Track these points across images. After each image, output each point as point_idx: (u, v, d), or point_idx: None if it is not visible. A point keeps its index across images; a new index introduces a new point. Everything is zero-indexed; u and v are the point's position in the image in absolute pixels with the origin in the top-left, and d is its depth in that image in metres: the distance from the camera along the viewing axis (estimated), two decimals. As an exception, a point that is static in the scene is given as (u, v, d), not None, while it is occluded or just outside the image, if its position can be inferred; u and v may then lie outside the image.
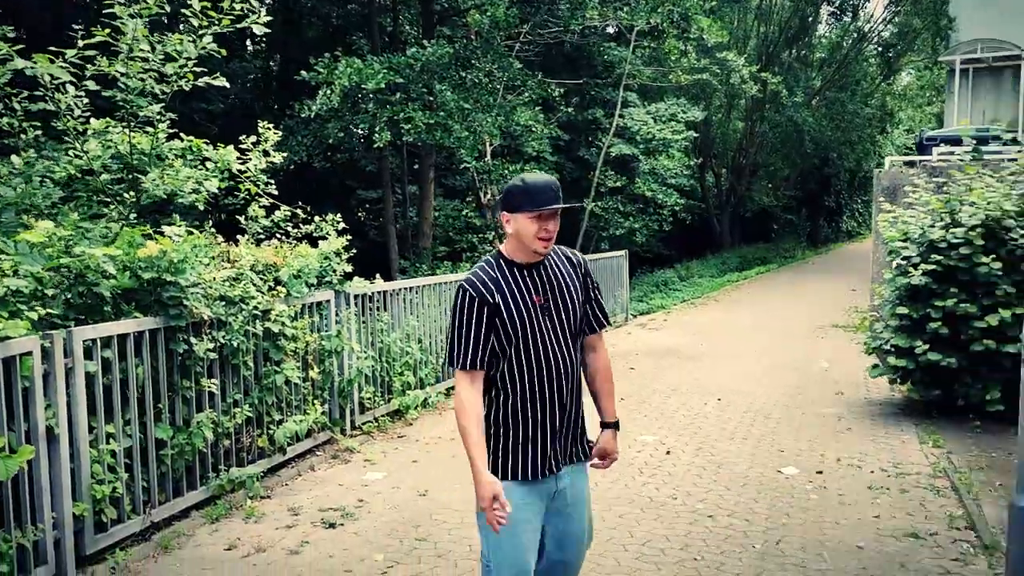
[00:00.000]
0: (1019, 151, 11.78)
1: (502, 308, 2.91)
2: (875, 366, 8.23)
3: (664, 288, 19.80)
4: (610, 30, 19.68)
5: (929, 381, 7.74)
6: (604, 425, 3.25)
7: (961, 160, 8.51)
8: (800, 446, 6.98)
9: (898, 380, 8.11)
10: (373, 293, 7.77)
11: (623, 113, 19.26)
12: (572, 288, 3.05)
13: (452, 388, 8.93)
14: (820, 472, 6.27)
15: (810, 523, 5.24)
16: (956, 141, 11.92)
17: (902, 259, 7.89)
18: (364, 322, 7.58)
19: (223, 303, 5.58)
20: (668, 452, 6.81)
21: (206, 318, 5.35)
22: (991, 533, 4.97)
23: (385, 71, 11.37)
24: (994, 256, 7.17)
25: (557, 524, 3.09)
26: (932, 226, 7.70)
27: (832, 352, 11.60)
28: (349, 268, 7.26)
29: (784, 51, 30.30)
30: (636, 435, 7.33)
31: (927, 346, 7.40)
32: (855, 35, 32.35)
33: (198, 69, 6.04)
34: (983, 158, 8.42)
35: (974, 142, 8.77)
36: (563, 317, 3.01)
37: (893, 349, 7.78)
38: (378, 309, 7.89)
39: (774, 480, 6.11)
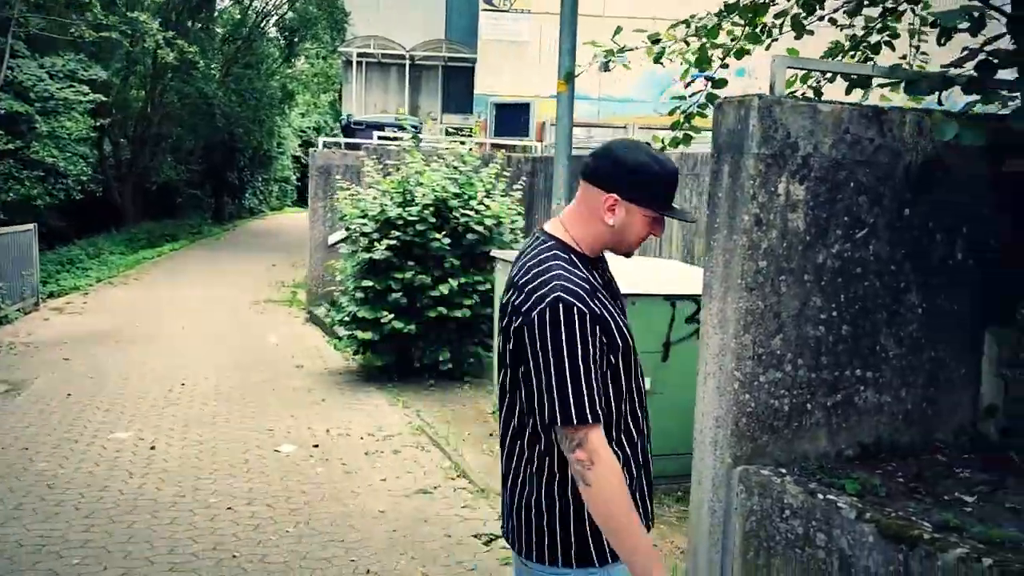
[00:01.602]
0: (411, 137, 13.35)
1: (608, 319, 2.00)
2: (340, 338, 8.58)
3: (73, 267, 17.70)
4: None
5: (389, 347, 8.38)
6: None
7: (410, 145, 9.30)
8: (286, 423, 6.95)
9: (362, 350, 8.57)
10: None
11: (13, 65, 16.59)
12: (622, 297, 2.26)
13: None
14: (316, 446, 6.33)
15: (328, 497, 5.28)
16: (379, 127, 13.03)
17: (362, 235, 8.34)
18: None
19: None
20: (152, 447, 6.17)
21: None
22: (480, 478, 5.62)
23: None
24: (444, 232, 8.04)
25: None
26: (389, 204, 8.29)
27: (277, 327, 11.76)
28: None
29: (188, 20, 29.33)
30: (107, 433, 6.47)
31: (392, 315, 7.97)
32: (255, 15, 32.90)
33: None
34: (419, 145, 9.36)
35: (413, 128, 9.70)
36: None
37: (358, 322, 8.19)
38: None
39: (276, 460, 5.99)
